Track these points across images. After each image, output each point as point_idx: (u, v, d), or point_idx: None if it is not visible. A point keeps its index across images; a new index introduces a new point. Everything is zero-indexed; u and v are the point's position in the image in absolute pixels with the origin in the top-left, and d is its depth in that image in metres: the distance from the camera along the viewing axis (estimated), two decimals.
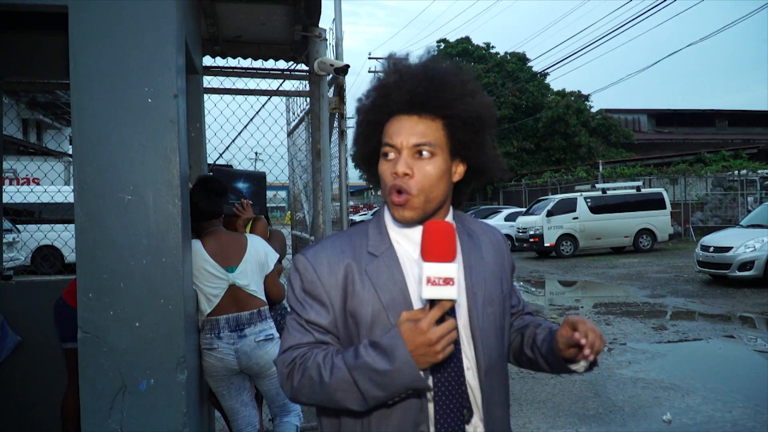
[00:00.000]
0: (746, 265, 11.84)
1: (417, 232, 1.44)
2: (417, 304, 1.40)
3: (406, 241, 1.47)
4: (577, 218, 19.58)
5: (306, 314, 1.41)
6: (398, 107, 1.43)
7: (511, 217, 22.91)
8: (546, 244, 19.54)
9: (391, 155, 1.42)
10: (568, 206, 19.78)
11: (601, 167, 26.46)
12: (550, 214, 19.57)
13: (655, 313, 10.04)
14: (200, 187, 3.32)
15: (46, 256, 15.20)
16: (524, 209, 23.04)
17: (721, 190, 25.11)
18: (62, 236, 13.27)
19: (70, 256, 14.57)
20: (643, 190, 20.64)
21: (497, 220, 23.40)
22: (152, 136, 2.41)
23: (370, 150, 1.52)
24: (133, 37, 2.38)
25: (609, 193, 20.30)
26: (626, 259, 18.29)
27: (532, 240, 19.78)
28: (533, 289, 13.82)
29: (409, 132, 1.41)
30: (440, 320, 1.30)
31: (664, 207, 20.06)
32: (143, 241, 2.40)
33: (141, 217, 2.40)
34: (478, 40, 41.51)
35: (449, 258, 1.29)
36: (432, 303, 1.29)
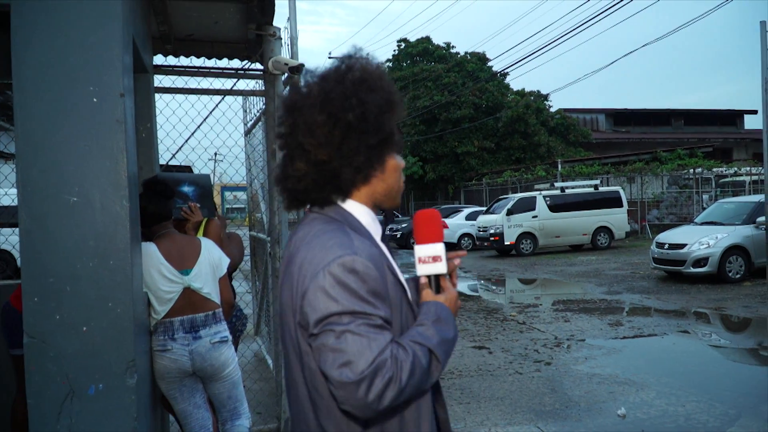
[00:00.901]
0: (700, 261, 12.12)
1: (378, 221, 1.60)
2: (405, 282, 1.55)
3: (375, 231, 1.57)
4: (536, 217, 19.84)
5: (379, 312, 1.35)
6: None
7: (471, 216, 23.10)
8: (506, 243, 19.76)
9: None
10: (528, 205, 20.02)
11: (559, 166, 26.86)
12: (510, 212, 19.78)
13: (611, 310, 10.24)
14: (146, 190, 3.27)
15: None
16: (485, 208, 23.25)
17: (676, 188, 25.74)
18: (10, 240, 12.93)
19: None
20: (601, 189, 21.01)
21: (458, 219, 23.58)
22: (98, 136, 2.36)
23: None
24: (77, 35, 2.34)
25: (567, 191, 20.60)
26: (584, 256, 18.61)
27: (492, 239, 19.98)
28: (494, 287, 13.97)
29: None
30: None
31: (621, 205, 20.46)
32: (90, 244, 2.36)
33: (87, 219, 2.36)
34: (438, 39, 41.79)
35: (436, 239, 1.55)
36: (429, 278, 1.55)
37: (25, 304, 2.33)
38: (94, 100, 2.35)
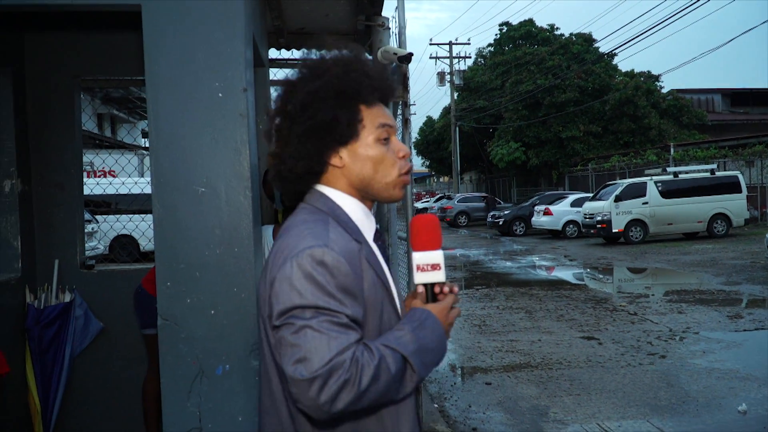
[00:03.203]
0: None
1: (372, 217, 1.53)
2: (393, 286, 1.49)
3: (368, 227, 1.48)
4: (647, 203, 19.00)
5: (345, 310, 1.27)
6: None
7: (577, 203, 22.41)
8: (614, 230, 19.05)
9: (388, 137, 1.47)
10: (638, 191, 19.20)
11: (672, 150, 25.56)
12: (618, 199, 19.05)
13: (730, 301, 9.67)
14: None
15: (124, 245, 15.82)
16: (591, 194, 22.49)
17: None
18: (139, 226, 13.80)
19: (147, 245, 15.15)
20: (718, 174, 19.81)
21: (563, 206, 22.97)
22: (223, 129, 2.47)
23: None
24: (203, 33, 2.45)
25: (681, 176, 19.58)
26: (699, 245, 17.65)
27: (599, 226, 19.32)
28: (600, 276, 13.53)
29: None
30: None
31: (739, 191, 19.22)
32: (216, 232, 2.48)
33: (214, 209, 2.48)
34: (541, 21, 40.70)
35: (435, 246, 1.46)
36: (425, 287, 1.47)
37: (159, 289, 2.48)
38: (220, 95, 2.46)
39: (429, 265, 1.46)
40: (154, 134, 2.46)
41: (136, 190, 14.10)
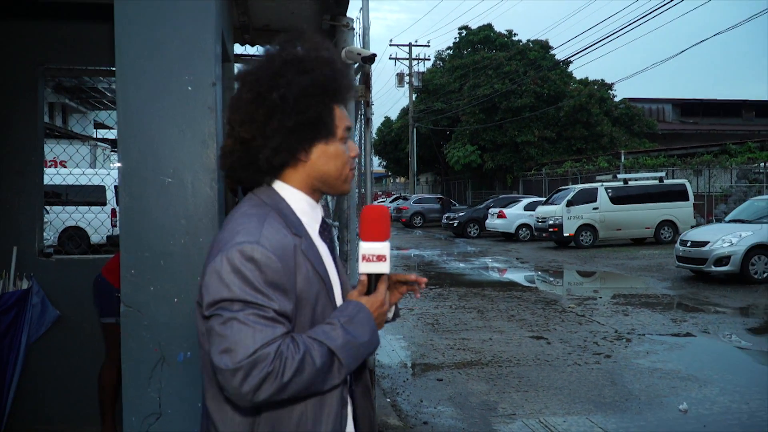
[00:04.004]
0: (722, 260, 11.72)
1: (319, 209, 1.55)
2: (335, 278, 1.52)
3: (312, 220, 1.51)
4: (597, 209, 19.52)
5: (273, 305, 1.30)
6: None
7: (530, 207, 22.86)
8: (565, 234, 19.52)
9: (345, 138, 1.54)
10: (589, 196, 19.72)
11: (623, 157, 26.29)
12: (570, 204, 19.53)
13: (674, 305, 10.07)
14: None
15: (72, 237, 15.50)
16: (544, 199, 22.98)
17: (746, 182, 24.80)
18: (86, 217, 13.51)
19: (94, 235, 14.88)
20: (666, 181, 20.49)
21: (516, 210, 23.40)
22: (191, 122, 2.53)
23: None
24: (174, 27, 2.50)
25: (630, 183, 20.19)
26: (647, 250, 18.22)
27: (551, 230, 19.77)
28: (551, 279, 13.87)
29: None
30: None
31: (686, 198, 19.92)
32: (182, 222, 2.53)
33: (180, 199, 2.53)
34: (500, 27, 41.27)
35: (382, 238, 1.48)
36: (369, 278, 1.49)
37: (123, 276, 2.52)
38: (189, 88, 2.52)
39: (375, 255, 1.48)
40: (123, 125, 2.50)
41: (84, 181, 13.88)
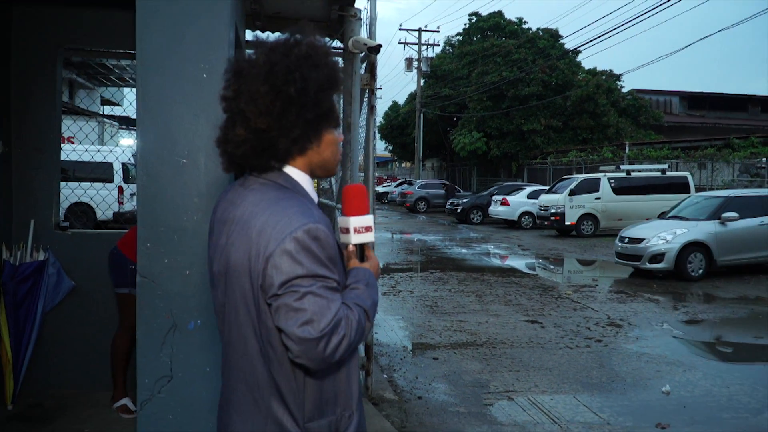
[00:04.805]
0: (657, 257, 11.63)
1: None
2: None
3: (315, 200, 1.67)
4: (599, 198, 19.67)
5: (335, 276, 1.48)
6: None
7: (533, 195, 23.01)
8: (567, 223, 19.69)
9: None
10: (591, 186, 19.85)
11: (627, 148, 26.37)
12: (572, 193, 19.68)
13: (668, 294, 10.27)
14: None
15: (78, 214, 15.72)
16: (547, 187, 23.12)
17: (747, 177, 24.91)
18: (96, 195, 13.65)
19: (102, 214, 15.05)
20: (669, 174, 20.59)
21: (520, 197, 23.55)
22: (205, 107, 2.72)
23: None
24: (192, 16, 2.68)
25: (633, 174, 20.30)
26: None
27: (553, 218, 19.94)
28: (551, 266, 14.07)
29: None
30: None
31: (688, 191, 19.96)
32: (195, 200, 2.74)
33: (194, 179, 2.73)
34: (510, 14, 41.05)
35: (366, 212, 1.69)
36: (357, 247, 1.69)
37: (139, 249, 2.72)
38: (204, 75, 2.71)
39: (363, 227, 1.68)
40: (141, 108, 2.70)
41: (90, 158, 14.03)
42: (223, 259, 1.57)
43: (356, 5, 4.47)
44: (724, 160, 25.16)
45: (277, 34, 4.99)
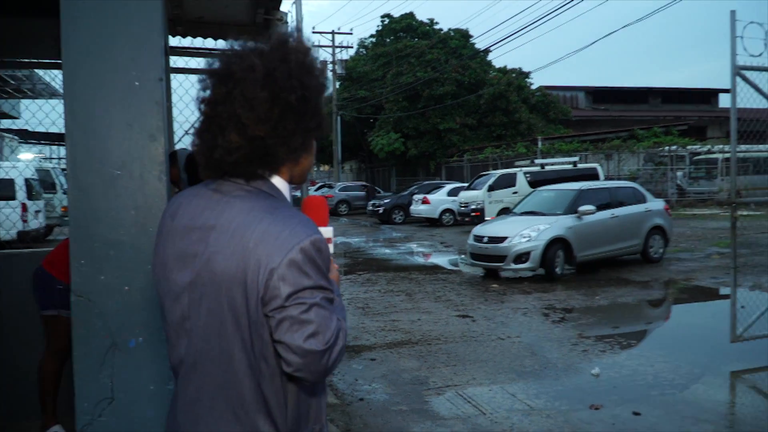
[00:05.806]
0: (522, 256, 10.73)
1: None
2: None
3: None
4: (516, 193, 20.18)
5: (332, 288, 1.48)
6: None
7: (453, 192, 23.42)
8: (487, 218, 20.08)
9: None
10: (509, 181, 20.39)
11: (540, 143, 27.25)
12: (491, 188, 20.15)
13: (588, 281, 10.68)
14: (189, 162, 3.58)
15: None
16: (466, 184, 23.59)
17: (652, 165, 26.31)
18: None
19: (6, 233, 14.17)
20: (579, 166, 21.36)
21: (440, 195, 23.91)
22: (138, 116, 2.62)
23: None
24: (122, 22, 2.57)
25: (547, 168, 20.93)
26: None
27: (473, 214, 20.32)
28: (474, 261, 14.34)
29: None
30: None
31: (598, 181, 20.90)
32: (131, 213, 2.63)
33: (129, 191, 2.62)
34: (422, 16, 41.63)
35: (326, 223, 1.71)
36: None
37: (72, 267, 2.59)
38: (136, 83, 2.61)
39: (326, 239, 1.70)
40: (69, 120, 2.57)
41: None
42: (198, 268, 1.47)
43: (282, 8, 4.43)
44: (629, 151, 26.45)
45: (199, 39, 4.88)
